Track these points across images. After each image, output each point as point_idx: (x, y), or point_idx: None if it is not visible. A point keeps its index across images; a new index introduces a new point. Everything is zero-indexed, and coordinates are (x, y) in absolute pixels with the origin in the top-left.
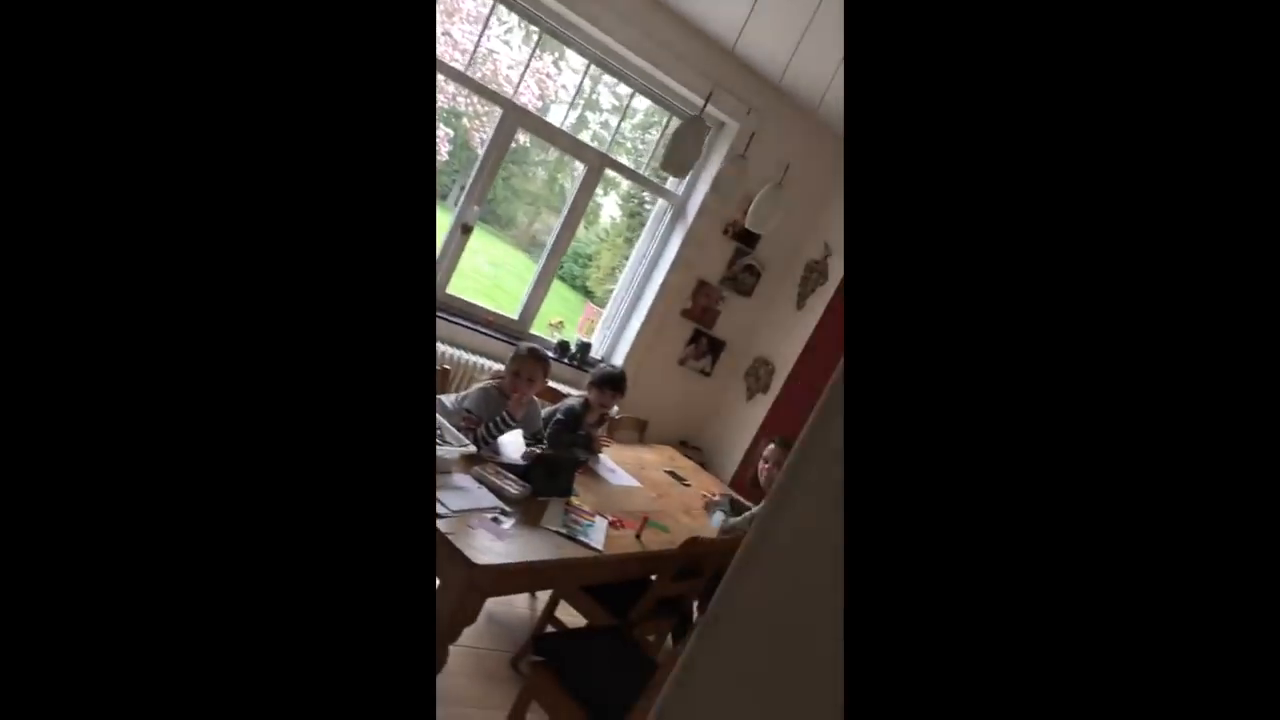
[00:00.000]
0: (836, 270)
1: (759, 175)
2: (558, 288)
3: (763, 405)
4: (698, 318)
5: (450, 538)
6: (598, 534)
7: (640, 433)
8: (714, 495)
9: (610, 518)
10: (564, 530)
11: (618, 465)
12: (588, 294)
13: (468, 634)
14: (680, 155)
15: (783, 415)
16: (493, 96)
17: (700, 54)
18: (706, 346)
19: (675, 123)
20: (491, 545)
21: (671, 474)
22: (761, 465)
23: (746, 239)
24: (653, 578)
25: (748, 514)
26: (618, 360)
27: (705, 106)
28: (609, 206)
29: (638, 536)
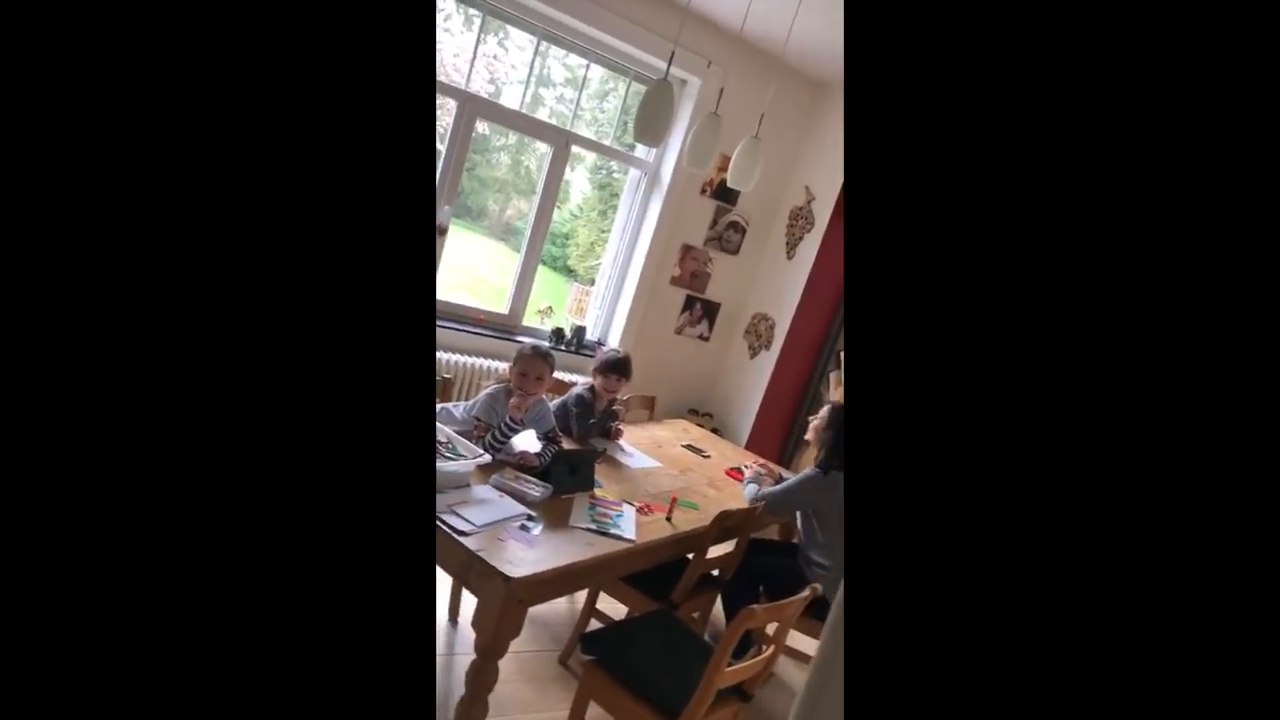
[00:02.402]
0: (822, 214)
1: (732, 129)
2: (540, 272)
3: (768, 361)
4: (687, 284)
5: (482, 554)
6: (628, 524)
7: (650, 410)
8: (747, 466)
9: (637, 504)
10: (594, 526)
11: (634, 448)
12: (570, 273)
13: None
14: (652, 124)
15: (790, 367)
16: (447, 90)
17: (652, 14)
18: (701, 312)
19: (634, 87)
20: (524, 555)
21: (689, 447)
22: (811, 420)
23: (726, 196)
24: (689, 556)
25: (772, 489)
26: (614, 338)
27: (669, 69)
28: (578, 182)
29: (668, 519)
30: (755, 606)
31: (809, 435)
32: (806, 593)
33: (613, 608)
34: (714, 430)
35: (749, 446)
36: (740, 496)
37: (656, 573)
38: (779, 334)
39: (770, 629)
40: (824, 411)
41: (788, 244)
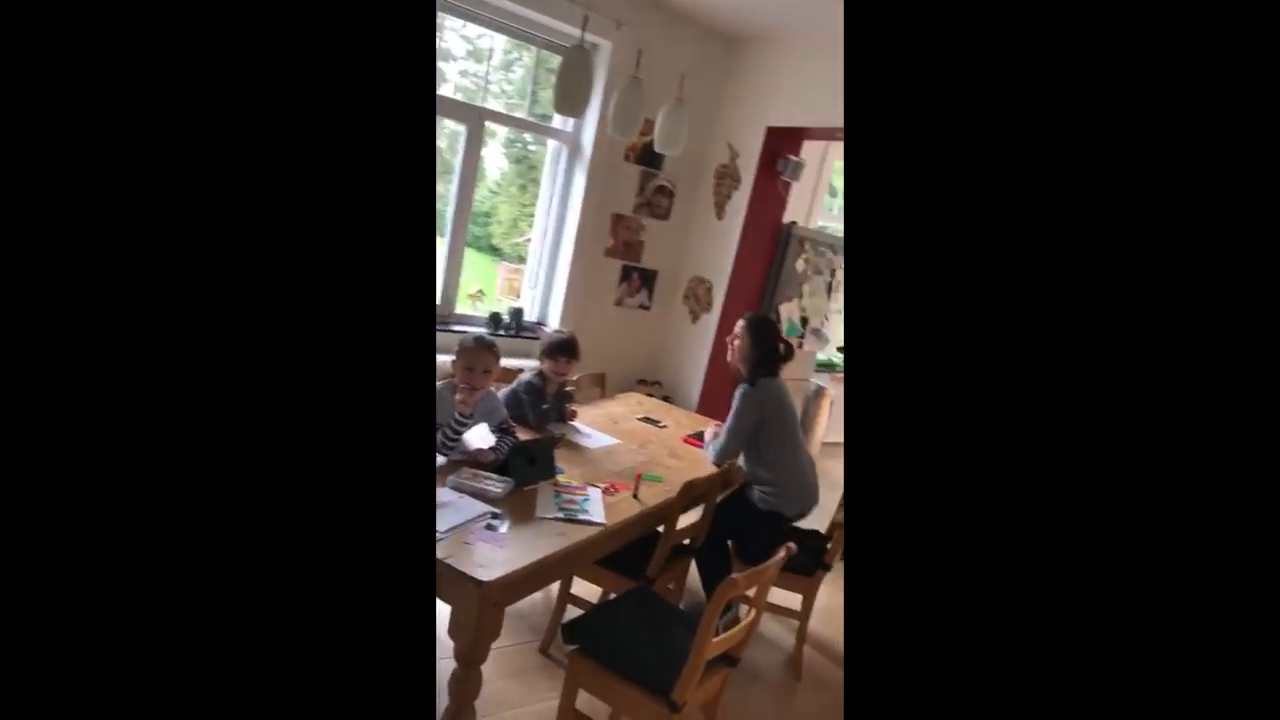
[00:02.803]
0: (748, 171)
1: (650, 91)
2: (466, 254)
3: (710, 323)
4: (622, 254)
5: (451, 562)
6: (596, 507)
7: (602, 388)
8: (709, 430)
9: (602, 485)
10: (561, 514)
11: (591, 428)
12: (495, 252)
13: None
14: (573, 94)
15: (732, 328)
16: None
17: None
18: (640, 281)
19: (541, 54)
20: (494, 556)
21: (645, 420)
22: (731, 342)
23: (651, 160)
24: (659, 529)
25: (722, 434)
26: (554, 318)
27: (584, 34)
28: (492, 157)
29: (635, 495)
30: (736, 576)
31: (731, 358)
32: (781, 553)
33: (588, 590)
34: (665, 398)
35: (700, 410)
36: (704, 462)
37: (627, 550)
38: (717, 295)
39: (750, 591)
40: (738, 330)
41: (716, 204)
